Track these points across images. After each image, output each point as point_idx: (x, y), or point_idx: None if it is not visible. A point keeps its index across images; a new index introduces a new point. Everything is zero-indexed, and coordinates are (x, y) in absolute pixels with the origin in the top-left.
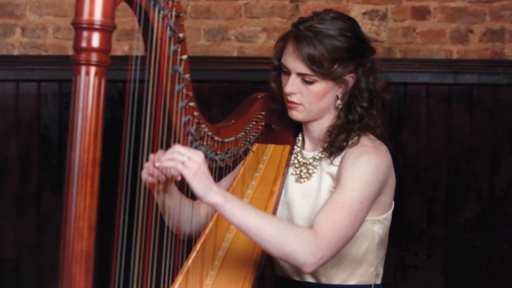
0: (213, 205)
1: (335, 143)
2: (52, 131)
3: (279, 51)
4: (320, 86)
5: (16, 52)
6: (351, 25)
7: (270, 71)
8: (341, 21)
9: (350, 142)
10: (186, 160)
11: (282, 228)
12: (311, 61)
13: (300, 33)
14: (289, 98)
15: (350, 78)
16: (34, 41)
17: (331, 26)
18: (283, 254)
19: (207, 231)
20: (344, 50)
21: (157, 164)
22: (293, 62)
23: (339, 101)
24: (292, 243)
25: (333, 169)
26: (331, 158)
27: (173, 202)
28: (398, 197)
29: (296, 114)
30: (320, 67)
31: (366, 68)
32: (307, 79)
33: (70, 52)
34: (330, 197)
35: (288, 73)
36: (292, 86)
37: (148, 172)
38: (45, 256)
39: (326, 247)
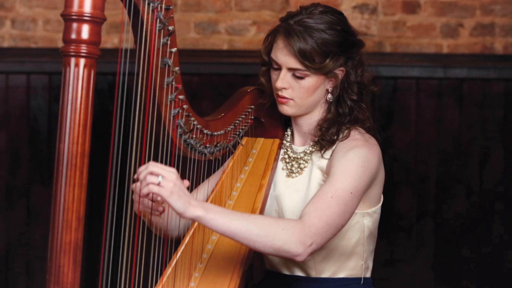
0: (195, 218)
1: (326, 137)
2: (42, 124)
3: (268, 46)
4: (311, 80)
5: (5, 44)
6: (340, 18)
7: (260, 66)
8: (330, 14)
9: (341, 136)
10: (161, 181)
11: (268, 225)
12: (302, 56)
13: (290, 27)
14: (279, 93)
15: (340, 72)
16: (24, 34)
17: (320, 20)
18: (273, 250)
19: (195, 225)
20: (334, 44)
21: (135, 196)
22: (284, 57)
23: (329, 95)
24: (280, 237)
25: (323, 163)
26: (322, 151)
27: (160, 218)
28: (388, 191)
29: (287, 109)
30: (312, 62)
31: (355, 61)
32: (298, 74)
33: (60, 44)
34: (320, 188)
35: (278, 68)
36: (283, 81)
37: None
38: (34, 248)
39: (314, 234)
